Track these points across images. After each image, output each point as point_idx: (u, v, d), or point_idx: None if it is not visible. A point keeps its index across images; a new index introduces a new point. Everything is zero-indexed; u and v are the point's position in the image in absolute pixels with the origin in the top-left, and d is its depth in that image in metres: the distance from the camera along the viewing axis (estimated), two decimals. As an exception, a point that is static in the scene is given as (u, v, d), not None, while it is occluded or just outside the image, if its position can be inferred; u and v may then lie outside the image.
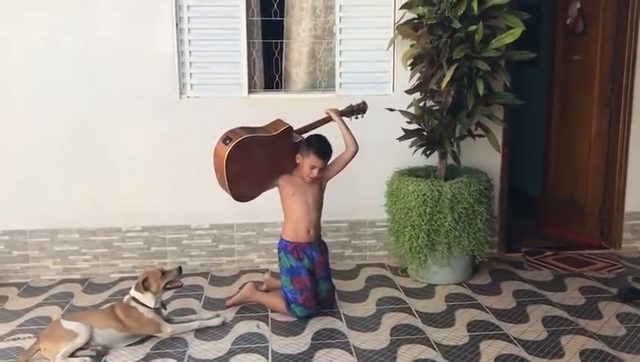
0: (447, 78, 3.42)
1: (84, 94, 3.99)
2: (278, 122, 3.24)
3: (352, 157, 3.31)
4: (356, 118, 3.40)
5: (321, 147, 3.18)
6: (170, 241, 4.16)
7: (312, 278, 3.26)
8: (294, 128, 3.26)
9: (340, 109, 3.35)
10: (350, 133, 3.28)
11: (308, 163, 3.13)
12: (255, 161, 3.08)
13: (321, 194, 3.33)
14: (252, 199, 3.18)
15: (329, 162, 3.27)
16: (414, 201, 3.66)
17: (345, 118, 3.36)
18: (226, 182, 3.01)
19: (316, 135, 3.26)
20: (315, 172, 3.14)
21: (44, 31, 3.90)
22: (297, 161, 3.21)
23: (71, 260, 4.15)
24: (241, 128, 3.11)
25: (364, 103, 3.43)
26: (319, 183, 3.29)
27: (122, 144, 4.04)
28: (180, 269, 3.08)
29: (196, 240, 4.17)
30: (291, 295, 3.26)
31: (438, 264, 3.80)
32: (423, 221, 3.66)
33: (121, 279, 4.11)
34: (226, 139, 3.03)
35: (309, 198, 3.24)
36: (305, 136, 3.30)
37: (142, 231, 4.12)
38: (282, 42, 4.25)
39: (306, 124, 3.31)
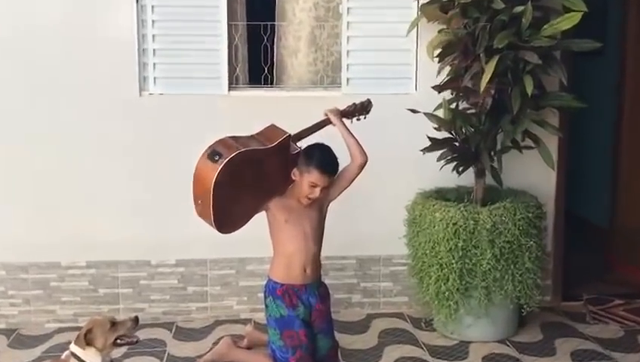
0: (489, 74, 3.41)
1: (19, 93, 3.99)
2: (273, 130, 3.21)
3: (360, 172, 3.25)
4: (357, 119, 3.40)
5: (326, 160, 3.14)
6: (123, 281, 4.15)
7: (309, 332, 3.20)
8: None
9: (341, 109, 3.36)
10: (356, 139, 3.26)
11: (308, 180, 3.09)
12: (246, 181, 3.07)
13: (321, 220, 3.31)
14: (238, 229, 3.18)
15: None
16: (443, 233, 3.66)
17: (346, 121, 3.37)
18: (212, 212, 2.97)
19: (317, 144, 3.23)
20: (316, 192, 3.10)
21: None
22: (293, 178, 3.19)
23: (-6, 304, 4.12)
24: (231, 138, 3.08)
25: (369, 102, 3.43)
26: (319, 206, 3.27)
27: (64, 154, 4.03)
28: (135, 320, 3.07)
29: (158, 280, 4.18)
30: (281, 353, 3.20)
31: (474, 315, 3.80)
32: (453, 258, 3.65)
33: (59, 330, 4.08)
34: (213, 154, 2.97)
35: (307, 226, 3.21)
36: (301, 145, 3.28)
37: (87, 268, 4.12)
38: (273, 25, 4.29)
39: (299, 130, 3.30)
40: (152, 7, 4.03)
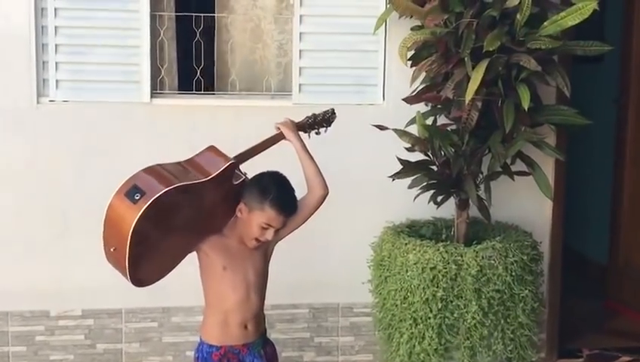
0: (476, 82, 3.11)
1: None
2: (212, 154, 2.92)
3: (318, 206, 3.03)
4: (317, 133, 3.14)
5: (285, 197, 2.90)
6: (15, 337, 3.81)
7: None
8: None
9: (296, 121, 3.07)
10: (315, 164, 3.00)
11: (260, 220, 2.84)
12: (176, 223, 2.80)
13: (266, 265, 3.05)
14: (159, 280, 2.89)
15: None
16: (418, 279, 3.36)
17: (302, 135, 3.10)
18: (127, 264, 2.68)
19: (271, 174, 2.96)
20: (269, 234, 2.87)
21: None
22: (238, 215, 2.91)
23: None
24: (155, 169, 2.77)
25: (332, 112, 3.16)
26: (264, 248, 3.02)
27: None
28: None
29: (59, 335, 3.85)
30: None
31: None
32: (431, 311, 3.35)
33: None
34: (133, 192, 2.66)
35: (250, 274, 2.94)
36: (245, 170, 2.97)
37: None
38: (209, 17, 3.99)
39: (242, 150, 2.98)
40: (55, -8, 3.71)
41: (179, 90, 3.99)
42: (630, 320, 4.69)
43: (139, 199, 2.62)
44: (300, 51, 3.88)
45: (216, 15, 3.98)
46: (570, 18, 3.18)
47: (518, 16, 3.20)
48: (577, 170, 5.07)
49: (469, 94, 3.16)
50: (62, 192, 3.61)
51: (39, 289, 3.76)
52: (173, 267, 2.89)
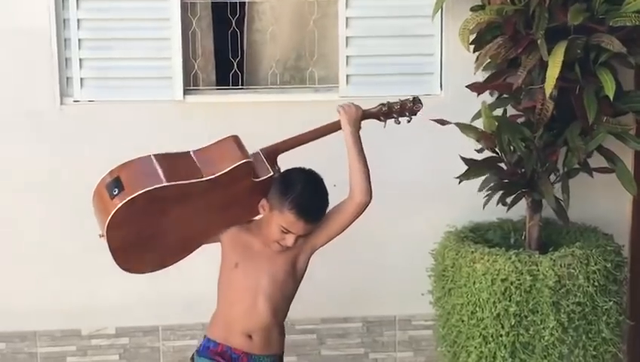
0: (557, 67, 2.83)
1: None
2: (231, 146, 2.77)
3: (359, 213, 2.80)
4: (397, 122, 2.88)
5: (309, 201, 2.69)
6: (44, 359, 3.68)
7: None
8: (263, 148, 2.79)
9: (365, 109, 2.79)
10: (365, 164, 2.76)
11: (280, 223, 2.67)
12: (167, 218, 2.70)
13: (292, 276, 2.83)
14: (161, 269, 2.81)
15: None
16: (487, 292, 3.09)
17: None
18: (111, 252, 2.66)
19: (302, 171, 2.77)
20: (289, 240, 2.69)
21: None
22: (261, 211, 2.74)
23: None
24: (149, 161, 2.67)
25: (416, 101, 2.87)
26: (293, 257, 2.82)
27: None
28: None
29: (92, 356, 3.68)
30: None
31: None
32: (503, 328, 3.09)
33: None
34: (113, 185, 2.61)
35: (264, 279, 2.75)
36: (279, 166, 2.81)
37: None
38: (244, 3, 3.76)
39: (287, 138, 2.81)
40: (77, -18, 3.55)
41: (215, 86, 3.83)
42: None
43: (116, 195, 2.58)
44: (347, 38, 3.65)
45: (247, 0, 3.75)
46: (662, -12, 2.93)
47: (598, -8, 2.95)
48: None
49: (550, 82, 2.88)
50: (86, 201, 3.39)
51: (69, 306, 3.61)
52: (182, 256, 2.82)
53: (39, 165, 3.51)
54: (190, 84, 3.67)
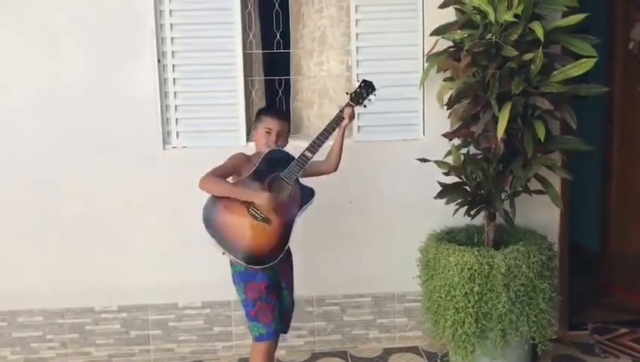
0: (504, 120, 2.71)
1: (48, 147, 3.34)
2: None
3: (321, 174, 2.79)
4: (369, 99, 2.79)
5: (271, 107, 2.97)
6: (153, 324, 3.48)
7: (271, 283, 2.61)
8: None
9: (348, 108, 2.74)
10: (342, 147, 2.77)
11: (263, 127, 2.70)
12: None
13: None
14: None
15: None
16: (458, 277, 2.94)
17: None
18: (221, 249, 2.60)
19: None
20: (272, 137, 2.66)
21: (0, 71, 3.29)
22: (253, 139, 2.81)
23: (33, 348, 3.44)
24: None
25: (366, 83, 2.79)
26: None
27: (94, 206, 3.37)
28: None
29: (185, 321, 3.49)
30: (245, 309, 2.63)
31: (490, 355, 3.03)
32: (469, 302, 2.93)
33: None
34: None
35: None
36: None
37: (119, 312, 3.45)
38: (288, 79, 3.61)
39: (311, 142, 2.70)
40: (173, 66, 3.34)
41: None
42: (621, 297, 4.12)
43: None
44: None
45: (290, 77, 3.59)
46: (575, 70, 2.79)
47: (532, 66, 2.79)
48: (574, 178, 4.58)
49: (500, 130, 2.73)
50: (183, 211, 3.31)
51: (169, 287, 3.44)
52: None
53: (148, 189, 3.35)
54: (250, 133, 3.42)
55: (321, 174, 2.73)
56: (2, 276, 3.37)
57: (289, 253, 2.72)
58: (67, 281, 3.40)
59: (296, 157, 2.61)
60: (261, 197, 2.48)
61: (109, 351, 3.46)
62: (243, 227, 2.51)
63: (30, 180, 3.34)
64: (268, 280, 2.57)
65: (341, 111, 2.69)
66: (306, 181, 2.70)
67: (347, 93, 2.76)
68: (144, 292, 3.43)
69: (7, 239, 3.36)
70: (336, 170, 2.74)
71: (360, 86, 2.75)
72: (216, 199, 2.55)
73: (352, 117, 2.70)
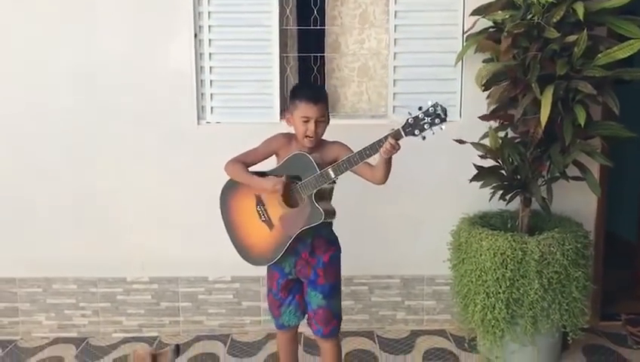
0: (548, 104, 2.65)
1: (84, 120, 3.42)
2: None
3: (367, 180, 2.48)
4: (432, 132, 2.20)
5: (308, 89, 2.53)
6: (183, 296, 3.56)
7: (283, 278, 2.57)
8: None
9: (398, 134, 2.26)
10: (389, 168, 2.40)
11: (299, 116, 2.42)
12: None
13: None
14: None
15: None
16: (490, 262, 2.92)
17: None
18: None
19: (296, 84, 2.82)
20: (310, 126, 2.40)
21: (37, 46, 3.36)
22: (288, 125, 2.52)
23: (67, 315, 3.58)
24: None
25: (435, 108, 2.17)
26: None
27: (128, 179, 3.46)
28: (176, 350, 2.38)
29: (215, 295, 3.57)
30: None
31: (519, 342, 3.02)
32: (500, 288, 2.91)
33: (125, 340, 3.52)
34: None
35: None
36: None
37: (150, 283, 3.55)
38: (323, 56, 3.59)
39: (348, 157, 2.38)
40: (209, 40, 3.38)
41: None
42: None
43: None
44: (394, 81, 3.42)
45: (326, 54, 3.56)
46: (622, 52, 2.70)
47: (575, 49, 2.72)
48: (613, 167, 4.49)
49: (545, 115, 2.66)
50: (216, 187, 3.24)
51: (200, 259, 3.49)
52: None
53: (183, 163, 3.39)
54: (284, 110, 3.48)
55: (368, 180, 2.45)
56: (39, 245, 3.49)
57: (328, 248, 2.56)
58: (101, 252, 3.50)
59: (319, 171, 2.37)
60: (264, 182, 2.44)
61: (139, 321, 3.57)
62: (246, 221, 2.55)
63: (67, 153, 3.44)
64: (282, 276, 2.56)
65: (384, 138, 2.25)
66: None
67: (409, 114, 2.23)
68: (175, 264, 3.51)
69: (44, 210, 3.47)
70: (383, 183, 2.40)
71: (426, 111, 2.19)
72: (231, 185, 2.59)
73: (389, 154, 2.27)
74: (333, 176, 2.33)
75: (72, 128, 3.41)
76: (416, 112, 2.20)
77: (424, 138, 2.20)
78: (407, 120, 2.21)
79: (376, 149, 2.27)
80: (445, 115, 2.18)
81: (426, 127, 2.18)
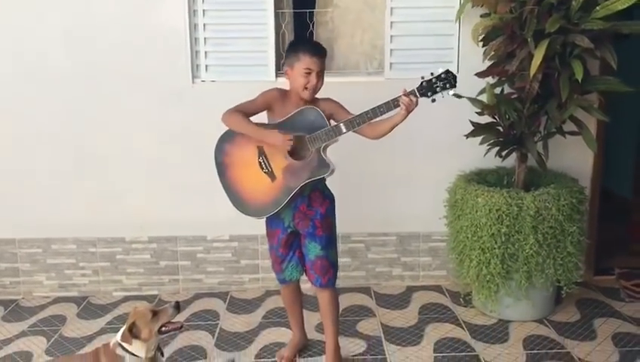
0: (539, 59, 2.65)
1: (79, 80, 3.41)
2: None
3: (364, 136, 2.51)
4: (442, 95, 2.35)
5: (312, 43, 2.53)
6: (182, 255, 3.61)
7: (284, 232, 2.58)
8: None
9: (413, 96, 2.34)
10: (392, 129, 2.46)
11: (301, 68, 2.41)
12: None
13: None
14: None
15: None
16: (485, 218, 2.95)
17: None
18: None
19: (298, 37, 2.75)
20: (312, 78, 2.40)
21: (31, 9, 3.33)
22: (286, 77, 2.50)
23: (67, 275, 3.63)
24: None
25: (448, 74, 2.35)
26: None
27: (125, 139, 3.47)
28: (176, 306, 2.42)
29: (213, 253, 3.61)
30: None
31: (514, 296, 3.08)
32: (496, 243, 2.95)
33: (125, 299, 3.58)
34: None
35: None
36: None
37: (149, 243, 3.59)
38: (319, 12, 3.57)
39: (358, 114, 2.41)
40: (203, -3, 3.34)
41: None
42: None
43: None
44: (391, 36, 3.39)
45: (321, 10, 3.53)
46: (620, 3, 2.68)
47: (573, 2, 2.70)
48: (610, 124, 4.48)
49: (534, 68, 2.68)
50: (211, 146, 3.30)
51: (198, 218, 3.52)
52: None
53: (178, 122, 3.39)
54: (279, 69, 3.42)
55: (362, 135, 2.48)
56: (38, 206, 3.52)
57: (324, 200, 2.57)
58: (100, 212, 3.53)
59: (330, 125, 2.40)
60: (274, 136, 2.38)
61: (139, 279, 3.62)
62: (246, 173, 2.50)
63: (63, 113, 3.43)
64: (283, 231, 2.57)
65: (399, 96, 2.33)
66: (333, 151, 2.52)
67: (422, 78, 2.36)
68: (174, 224, 3.55)
69: (43, 171, 3.49)
70: (378, 139, 2.47)
71: (438, 76, 2.33)
72: (229, 137, 2.53)
73: (411, 108, 2.33)
74: (344, 130, 2.37)
75: (69, 90, 3.40)
76: (429, 77, 2.37)
77: (434, 100, 2.37)
78: (422, 82, 2.36)
79: (391, 107, 2.34)
80: (455, 81, 2.35)
81: (437, 90, 2.34)
